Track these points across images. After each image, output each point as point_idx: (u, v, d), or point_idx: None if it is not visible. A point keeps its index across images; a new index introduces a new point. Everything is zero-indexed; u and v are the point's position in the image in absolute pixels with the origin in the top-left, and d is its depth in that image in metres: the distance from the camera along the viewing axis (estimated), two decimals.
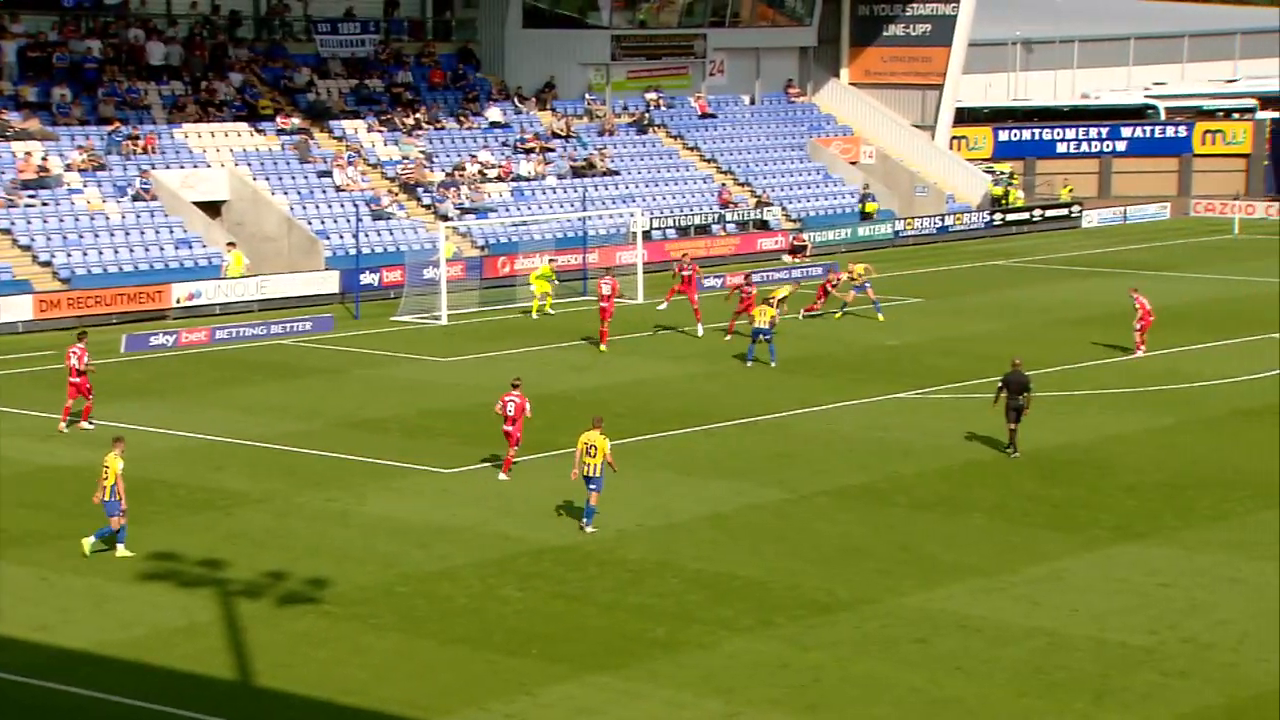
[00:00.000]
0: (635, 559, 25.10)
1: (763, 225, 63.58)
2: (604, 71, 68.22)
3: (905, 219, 66.68)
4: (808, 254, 60.94)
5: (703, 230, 61.74)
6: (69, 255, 50.09)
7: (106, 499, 25.00)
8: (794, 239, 62.02)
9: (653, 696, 19.88)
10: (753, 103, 71.89)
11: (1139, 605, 22.90)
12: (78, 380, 33.84)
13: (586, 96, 67.53)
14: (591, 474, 26.05)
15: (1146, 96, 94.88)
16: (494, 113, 63.78)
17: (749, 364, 40.20)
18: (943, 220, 67.67)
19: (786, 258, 60.39)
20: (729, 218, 62.96)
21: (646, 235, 56.67)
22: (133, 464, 31.08)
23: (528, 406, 29.22)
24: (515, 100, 65.38)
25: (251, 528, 26.98)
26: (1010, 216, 69.94)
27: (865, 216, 65.10)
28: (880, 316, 46.37)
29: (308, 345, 44.32)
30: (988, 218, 69.12)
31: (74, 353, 34.04)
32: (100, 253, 50.73)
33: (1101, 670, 20.59)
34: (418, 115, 61.87)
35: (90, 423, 33.89)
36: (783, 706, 19.58)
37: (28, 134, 53.77)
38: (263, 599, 23.15)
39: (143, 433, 33.84)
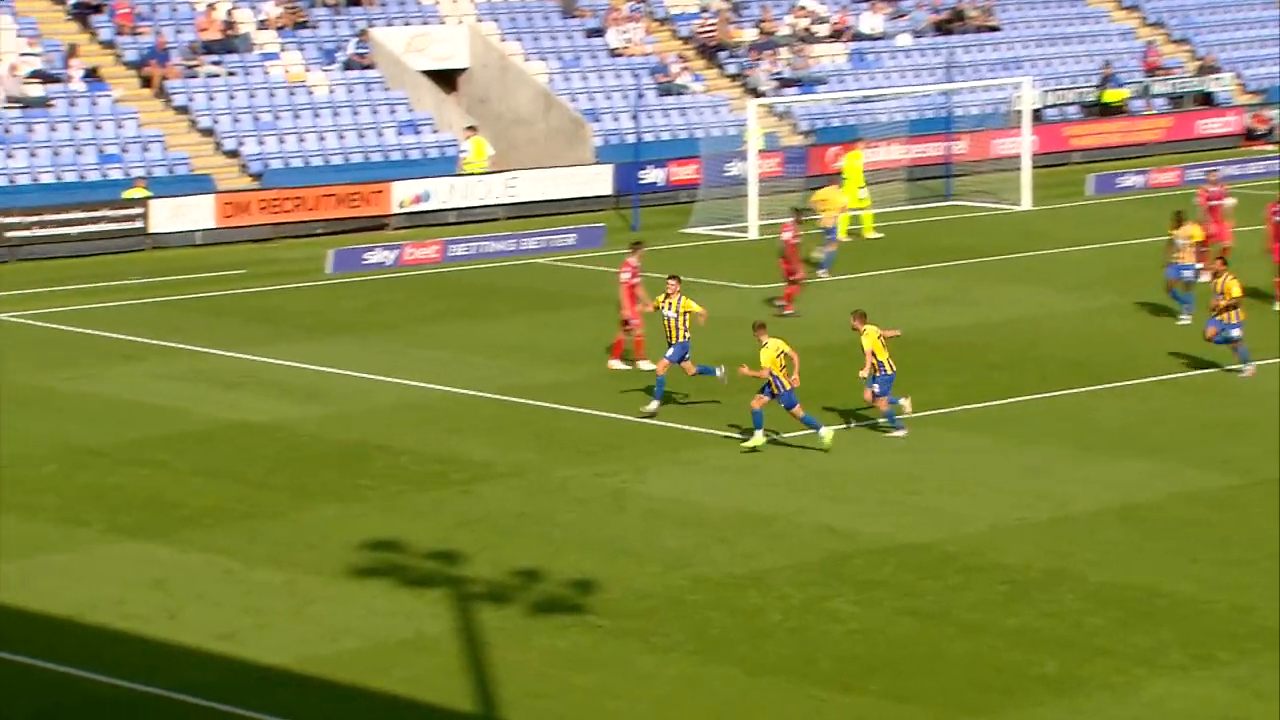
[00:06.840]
0: (1015, 565, 25.01)
1: (1206, 100, 62.20)
2: None
3: None
4: (1271, 142, 59.64)
5: (1116, 111, 60.71)
6: (261, 143, 51.54)
7: (879, 375, 30.14)
8: (1253, 119, 60.65)
9: None
10: None
11: None
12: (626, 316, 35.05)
13: None
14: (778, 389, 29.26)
15: None
16: None
17: (1182, 317, 38.44)
18: None
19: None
20: (1156, 90, 61.77)
21: (1037, 116, 55.99)
22: (345, 423, 32.16)
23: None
24: None
25: (496, 511, 27.57)
26: None
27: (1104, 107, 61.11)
28: None
29: (571, 266, 44.99)
30: None
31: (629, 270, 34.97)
32: (301, 139, 52.12)
33: None
34: None
35: (627, 362, 34.96)
36: None
37: None
38: (510, 606, 23.68)
39: (355, 381, 34.82)
